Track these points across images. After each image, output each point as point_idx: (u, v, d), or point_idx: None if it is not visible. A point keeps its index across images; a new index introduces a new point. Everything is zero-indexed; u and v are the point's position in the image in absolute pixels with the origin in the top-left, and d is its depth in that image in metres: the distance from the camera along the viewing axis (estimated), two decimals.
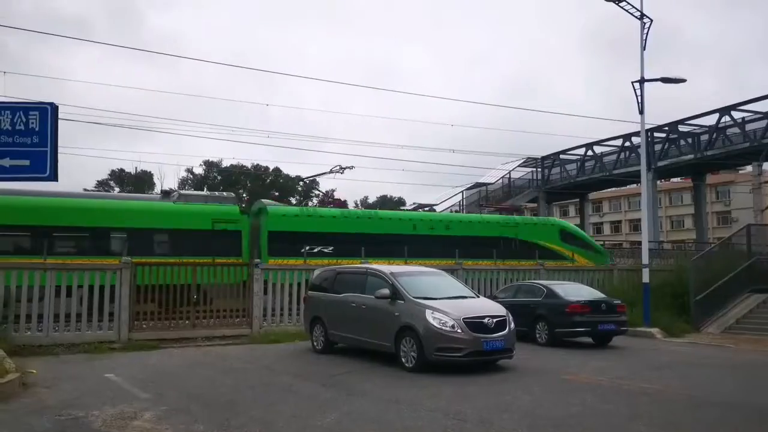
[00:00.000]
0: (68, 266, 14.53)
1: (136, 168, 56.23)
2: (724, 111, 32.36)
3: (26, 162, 10.18)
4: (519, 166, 44.54)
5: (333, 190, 65.31)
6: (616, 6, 17.76)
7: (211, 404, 7.89)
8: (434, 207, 34.07)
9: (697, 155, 34.51)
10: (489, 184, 44.84)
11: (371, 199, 70.45)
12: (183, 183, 60.40)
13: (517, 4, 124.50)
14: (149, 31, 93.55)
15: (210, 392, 8.67)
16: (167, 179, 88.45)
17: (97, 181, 56.55)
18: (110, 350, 12.93)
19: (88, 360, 11.73)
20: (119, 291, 14.02)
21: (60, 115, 10.67)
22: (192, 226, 19.75)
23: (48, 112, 10.32)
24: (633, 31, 18.60)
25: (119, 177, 57.44)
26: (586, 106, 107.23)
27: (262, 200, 24.14)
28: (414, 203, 47.60)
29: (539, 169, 44.29)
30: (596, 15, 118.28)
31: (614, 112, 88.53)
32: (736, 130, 32.62)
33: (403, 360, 10.47)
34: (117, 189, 55.26)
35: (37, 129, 10.23)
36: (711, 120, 33.52)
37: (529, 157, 44.23)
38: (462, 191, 45.54)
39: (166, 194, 22.76)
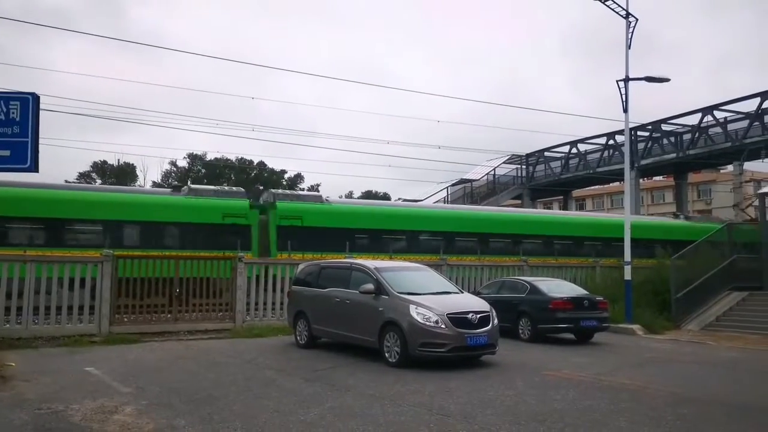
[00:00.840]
0: (48, 258, 14.35)
1: (118, 160, 55.63)
2: (707, 111, 32.72)
3: (6, 153, 10.01)
4: (504, 162, 44.74)
5: (318, 185, 65.34)
6: (599, 7, 17.90)
7: (193, 399, 7.83)
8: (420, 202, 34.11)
9: (679, 154, 34.88)
10: (474, 180, 44.99)
11: (356, 194, 70.35)
12: (166, 176, 59.89)
13: (502, 7, 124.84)
14: (131, 24, 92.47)
15: (192, 386, 8.60)
16: (150, 172, 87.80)
17: (79, 172, 55.87)
18: (91, 343, 12.79)
19: (69, 353, 11.60)
20: (100, 284, 13.89)
21: (42, 106, 10.51)
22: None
23: (29, 102, 10.15)
24: (614, 32, 18.67)
25: (101, 169, 56.76)
26: (569, 105, 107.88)
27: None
28: (399, 198, 47.70)
29: (524, 166, 44.51)
30: (579, 17, 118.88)
31: (595, 112, 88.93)
32: (718, 129, 33.02)
33: (387, 355, 10.46)
34: (99, 181, 54.59)
35: (18, 119, 10.07)
36: (693, 119, 33.91)
37: (513, 154, 44.44)
38: (447, 187, 45.68)
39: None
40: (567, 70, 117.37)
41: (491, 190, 44.28)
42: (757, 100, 30.19)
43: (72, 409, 7.14)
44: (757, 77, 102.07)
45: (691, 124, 34.46)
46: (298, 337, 12.77)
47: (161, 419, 6.79)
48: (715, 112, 32.60)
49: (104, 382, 8.92)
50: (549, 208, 63.56)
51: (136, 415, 6.97)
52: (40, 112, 10.34)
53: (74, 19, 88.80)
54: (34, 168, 10.26)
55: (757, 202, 24.98)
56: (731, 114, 32.86)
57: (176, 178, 60.17)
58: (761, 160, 32.24)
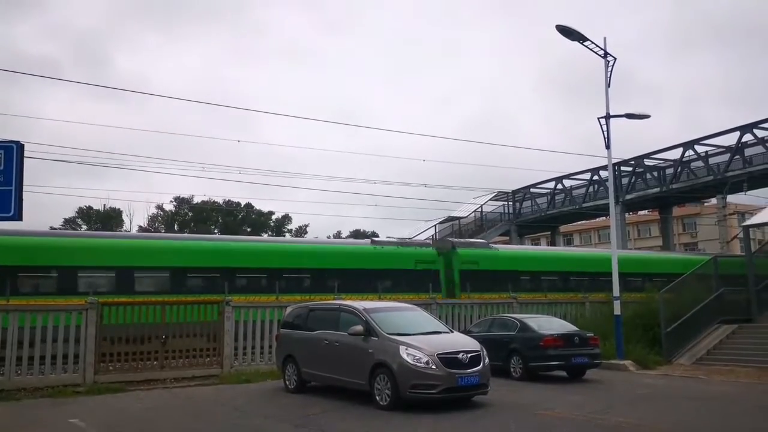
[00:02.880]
0: (31, 307, 14.12)
1: (104, 205, 55.48)
2: (688, 145, 33.26)
3: None
4: (491, 199, 44.98)
5: (306, 225, 65.33)
6: (574, 48, 18.28)
7: None
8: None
9: (662, 188, 35.31)
10: (461, 217, 45.15)
11: (344, 234, 70.29)
12: (153, 220, 59.67)
13: (477, 49, 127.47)
14: (116, 72, 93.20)
15: None
16: (136, 216, 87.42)
17: (64, 218, 55.52)
18: (75, 394, 12.47)
19: (52, 405, 11.31)
20: (84, 332, 13.63)
21: (26, 153, 10.51)
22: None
23: (14, 151, 10.18)
24: (592, 71, 19.08)
25: (87, 214, 56.47)
26: (547, 142, 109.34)
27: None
28: (388, 237, 47.69)
29: (510, 203, 44.79)
30: (556, 57, 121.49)
31: (575, 149, 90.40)
32: (699, 163, 33.52)
33: (378, 398, 10.30)
34: (84, 227, 54.23)
35: (1, 168, 10.05)
36: (675, 154, 34.43)
37: (500, 191, 44.73)
38: (435, 225, 45.77)
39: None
40: (542, 108, 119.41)
41: (479, 227, 44.43)
42: (737, 134, 30.77)
43: None
44: (727, 112, 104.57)
45: (673, 158, 34.99)
46: (287, 382, 12.56)
47: None
48: (696, 147, 33.15)
49: None
50: (537, 244, 63.85)
51: None
52: (24, 159, 10.32)
53: (61, 69, 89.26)
54: (18, 216, 10.20)
55: (742, 235, 25.23)
56: (712, 148, 33.42)
57: (163, 221, 59.94)
58: (743, 193, 32.72)
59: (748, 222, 24.45)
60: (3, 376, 12.76)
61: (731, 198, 37.19)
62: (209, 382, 14.09)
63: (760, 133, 30.07)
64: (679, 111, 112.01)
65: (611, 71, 18.49)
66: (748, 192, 32.19)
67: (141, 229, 56.13)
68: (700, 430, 8.75)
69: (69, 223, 54.99)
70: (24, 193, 10.44)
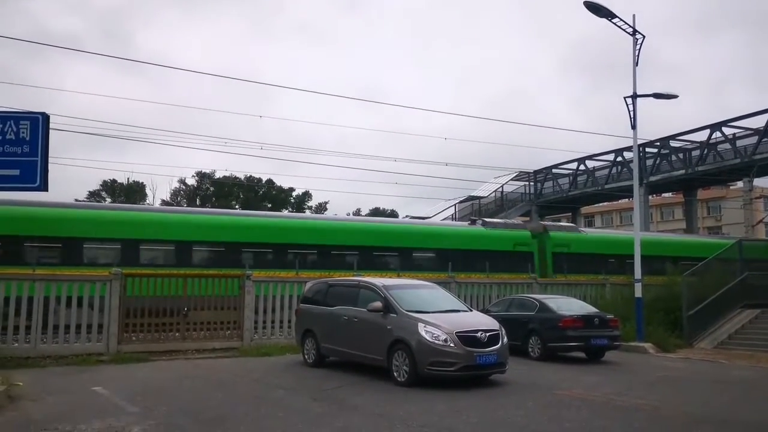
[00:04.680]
0: (57, 277, 14.37)
1: (128, 179, 56.00)
2: (715, 127, 32.57)
3: (16, 172, 10.08)
4: (512, 179, 44.64)
5: (326, 202, 65.47)
6: (596, 27, 17.88)
7: (201, 418, 7.77)
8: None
9: (688, 170, 34.69)
10: (482, 197, 44.91)
11: (363, 211, 70.40)
12: (175, 194, 60.16)
13: (501, 27, 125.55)
14: (138, 48, 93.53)
15: (200, 406, 8.54)
16: (159, 190, 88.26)
17: (89, 191, 56.23)
18: (99, 362, 12.75)
19: (76, 372, 11.57)
20: (108, 302, 13.87)
21: (51, 125, 10.59)
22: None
23: (39, 122, 10.24)
24: (615, 52, 18.70)
25: (111, 188, 57.10)
26: (570, 122, 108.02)
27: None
28: (407, 216, 47.66)
29: (532, 183, 44.40)
30: (581, 36, 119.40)
31: (597, 129, 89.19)
32: (726, 145, 32.83)
33: (396, 374, 10.36)
34: (108, 199, 54.88)
35: (27, 139, 10.15)
36: (702, 136, 33.75)
37: (521, 171, 44.36)
38: (455, 204, 45.60)
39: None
40: (567, 88, 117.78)
41: (499, 206, 44.17)
42: (766, 116, 30.06)
43: (79, 430, 7.10)
44: (755, 96, 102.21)
45: (699, 140, 34.33)
46: (306, 356, 12.69)
47: None
48: (724, 128, 32.46)
49: (112, 401, 8.88)
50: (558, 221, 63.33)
51: None
52: (50, 131, 10.41)
53: (82, 45, 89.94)
54: (44, 187, 10.32)
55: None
56: (740, 130, 32.70)
57: (185, 196, 60.44)
58: None
59: None
60: (29, 344, 13.05)
61: (758, 181, 36.46)
62: (230, 354, 14.29)
63: None
64: (705, 94, 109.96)
65: (639, 49, 18.12)
66: None
67: (163, 202, 56.65)
68: (718, 414, 8.68)
69: (93, 195, 55.69)
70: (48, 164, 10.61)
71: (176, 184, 60.54)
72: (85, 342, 13.66)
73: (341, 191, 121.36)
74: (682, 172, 35.05)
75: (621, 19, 17.84)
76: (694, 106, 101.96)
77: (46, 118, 10.33)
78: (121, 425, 7.32)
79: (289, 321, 15.59)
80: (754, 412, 9.11)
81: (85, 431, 7.04)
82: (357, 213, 65.17)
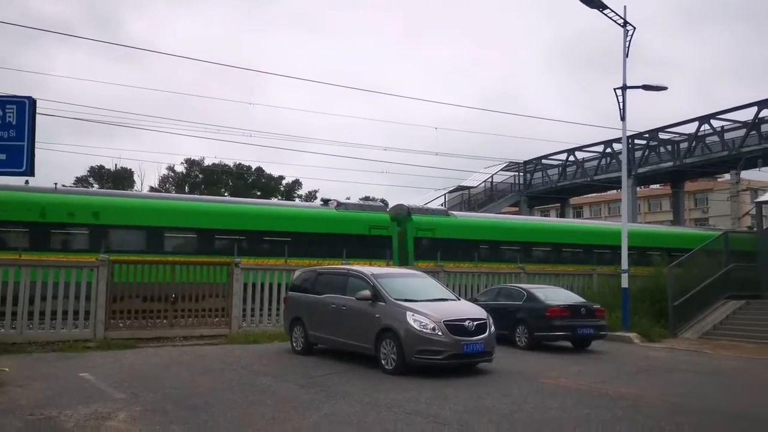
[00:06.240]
0: (43, 263, 14.28)
1: (115, 165, 55.59)
2: (704, 119, 32.76)
3: (2, 156, 9.95)
4: (501, 170, 44.70)
5: (316, 191, 65.30)
6: (586, 20, 17.88)
7: (188, 405, 7.77)
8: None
9: (676, 162, 34.92)
10: (472, 187, 44.95)
11: (353, 200, 70.30)
12: (164, 181, 59.78)
13: (490, 20, 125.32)
14: (127, 37, 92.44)
15: (187, 393, 8.53)
16: (147, 176, 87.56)
17: (76, 177, 55.74)
18: (85, 349, 12.70)
19: (63, 359, 11.52)
20: (96, 289, 13.80)
21: (38, 110, 10.47)
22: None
23: (26, 106, 10.10)
24: (603, 44, 18.74)
25: (98, 174, 56.66)
26: (558, 114, 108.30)
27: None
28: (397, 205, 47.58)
29: (521, 174, 44.51)
30: (570, 28, 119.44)
31: (584, 121, 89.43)
32: (715, 138, 33.05)
33: (383, 362, 10.40)
34: (96, 185, 54.46)
35: (14, 123, 10.01)
36: (690, 128, 33.95)
37: (511, 162, 44.42)
38: (444, 194, 45.63)
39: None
40: (554, 80, 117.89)
41: (489, 197, 44.25)
42: (754, 109, 30.26)
43: (65, 415, 7.08)
44: (740, 90, 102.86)
45: (687, 132, 34.53)
46: (294, 344, 12.70)
47: (155, 425, 6.73)
48: (712, 121, 32.65)
49: (98, 387, 8.85)
50: (546, 215, 63.72)
51: (130, 421, 6.90)
52: (36, 116, 10.29)
53: (72, 31, 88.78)
54: (30, 172, 10.21)
55: (754, 211, 25.01)
56: (728, 123, 32.91)
57: (174, 183, 60.07)
58: (758, 169, 32.30)
59: (761, 198, 24.18)
60: (15, 329, 12.98)
61: (745, 174, 36.78)
62: (217, 341, 14.29)
63: None
64: (692, 87, 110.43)
65: (630, 41, 18.15)
66: (763, 168, 31.74)
67: (152, 189, 56.29)
68: (703, 403, 8.80)
69: (80, 181, 55.23)
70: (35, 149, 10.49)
71: (165, 171, 60.20)
72: (72, 328, 13.60)
73: (331, 180, 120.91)
74: (671, 164, 35.28)
75: (612, 10, 17.85)
76: (683, 98, 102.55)
77: (32, 102, 10.20)
78: (108, 411, 7.31)
79: (278, 309, 15.59)
80: (737, 401, 9.24)
81: (71, 417, 7.02)
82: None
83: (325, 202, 25.40)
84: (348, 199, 31.51)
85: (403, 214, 24.30)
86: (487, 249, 24.55)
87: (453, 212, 27.25)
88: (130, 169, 56.73)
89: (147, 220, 19.60)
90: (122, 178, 55.79)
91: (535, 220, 33.13)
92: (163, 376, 9.87)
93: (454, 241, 23.73)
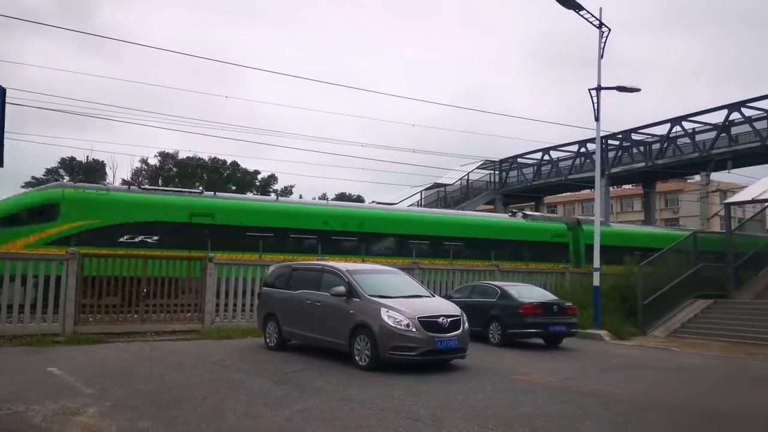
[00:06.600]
0: (12, 255, 14.01)
1: (87, 157, 54.76)
2: (676, 121, 33.34)
3: None
4: (477, 168, 44.96)
5: (292, 186, 65.03)
6: (567, 20, 18.03)
7: (158, 400, 7.69)
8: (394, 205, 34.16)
9: (648, 163, 35.48)
10: (448, 184, 45.13)
11: (330, 196, 70.14)
12: (137, 174, 59.03)
13: (470, 19, 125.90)
14: (99, 26, 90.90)
15: (157, 388, 8.44)
16: (120, 169, 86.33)
17: (46, 168, 54.80)
18: (54, 343, 12.49)
19: (31, 353, 11.32)
20: (65, 282, 13.58)
21: (7, 100, 10.24)
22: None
23: None
24: (579, 45, 18.95)
25: (70, 166, 55.75)
26: (533, 114, 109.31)
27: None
28: (373, 201, 47.63)
29: (497, 172, 44.82)
30: (546, 28, 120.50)
31: (559, 121, 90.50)
32: (686, 140, 33.66)
33: (357, 358, 10.41)
34: (66, 178, 53.56)
35: None
36: (662, 130, 34.52)
37: (487, 160, 44.71)
38: (421, 191, 45.73)
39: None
40: (530, 80, 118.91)
41: (465, 195, 44.48)
42: (724, 112, 30.86)
43: (33, 410, 6.96)
44: (715, 92, 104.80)
45: (660, 134, 35.09)
46: (268, 339, 12.64)
47: (125, 421, 6.65)
48: (684, 123, 33.24)
49: (67, 382, 8.72)
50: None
51: (99, 416, 6.81)
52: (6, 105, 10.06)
53: (43, 20, 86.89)
54: (0, 163, 9.98)
55: (723, 212, 25.50)
56: (699, 125, 33.53)
57: (147, 176, 59.35)
58: (727, 171, 32.97)
59: (730, 199, 24.68)
60: None
61: (715, 176, 37.48)
62: (190, 336, 14.15)
63: (747, 112, 30.20)
64: (665, 90, 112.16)
65: (605, 42, 18.37)
66: (732, 170, 32.43)
67: (124, 182, 55.55)
68: (670, 399, 8.97)
69: (51, 173, 54.28)
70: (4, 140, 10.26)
71: (138, 164, 59.44)
72: (41, 322, 13.37)
73: (307, 175, 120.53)
74: (643, 164, 35.85)
75: (588, 12, 18.03)
76: (655, 101, 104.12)
77: (2, 91, 9.97)
78: (76, 406, 7.20)
79: (252, 304, 15.49)
80: (704, 398, 9.43)
81: (38, 412, 6.91)
82: (323, 198, 64.90)
83: (513, 213, 28.70)
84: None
85: (573, 223, 28.02)
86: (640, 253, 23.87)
87: (611, 223, 32.35)
88: (102, 161, 55.95)
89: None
90: (93, 170, 54.94)
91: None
92: (133, 372, 9.76)
93: (611, 248, 23.65)
